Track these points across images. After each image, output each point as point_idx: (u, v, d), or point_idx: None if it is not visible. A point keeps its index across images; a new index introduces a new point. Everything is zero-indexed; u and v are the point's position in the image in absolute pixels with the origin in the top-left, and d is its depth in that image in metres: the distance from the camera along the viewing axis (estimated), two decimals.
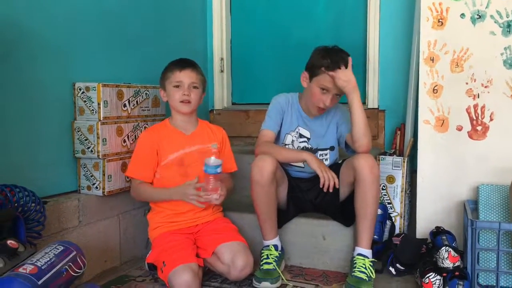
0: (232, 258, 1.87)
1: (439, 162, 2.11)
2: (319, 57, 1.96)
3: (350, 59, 1.94)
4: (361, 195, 1.88)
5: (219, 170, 1.85)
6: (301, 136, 2.11)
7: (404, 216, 2.30)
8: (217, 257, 1.92)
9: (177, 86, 1.99)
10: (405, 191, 2.29)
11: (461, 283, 1.72)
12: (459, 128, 2.08)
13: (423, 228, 2.14)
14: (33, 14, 1.83)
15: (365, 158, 1.87)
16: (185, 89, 1.99)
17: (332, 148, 2.12)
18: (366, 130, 1.93)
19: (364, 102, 2.70)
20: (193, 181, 1.92)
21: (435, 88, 2.10)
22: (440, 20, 2.08)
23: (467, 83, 2.06)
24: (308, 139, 2.10)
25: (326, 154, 2.11)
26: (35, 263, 1.35)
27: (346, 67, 1.92)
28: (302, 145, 2.10)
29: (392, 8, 2.54)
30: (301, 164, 2.08)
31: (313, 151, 2.09)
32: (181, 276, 1.75)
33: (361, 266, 1.83)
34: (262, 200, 1.93)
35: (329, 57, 1.93)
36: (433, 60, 2.10)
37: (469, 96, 2.06)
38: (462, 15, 2.05)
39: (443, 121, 2.10)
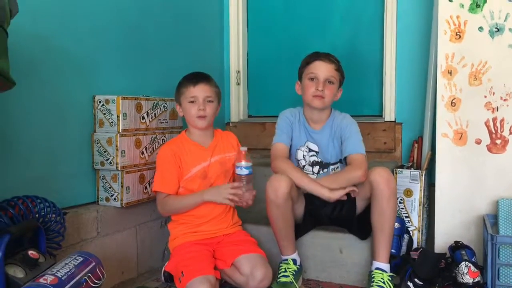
0: (251, 269, 1.87)
1: (457, 175, 2.09)
2: (304, 59, 2.11)
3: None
4: (378, 210, 1.86)
5: (250, 171, 1.91)
6: (310, 150, 2.11)
7: (422, 230, 2.28)
8: (236, 268, 1.92)
9: (192, 102, 2.01)
10: (423, 204, 2.27)
11: None
12: (478, 142, 2.06)
13: (441, 243, 2.11)
14: (58, 30, 1.88)
15: (381, 173, 1.86)
16: (200, 104, 2.00)
17: (341, 161, 2.11)
18: (346, 180, 1.92)
19: (380, 115, 2.70)
20: (229, 184, 1.95)
21: (453, 101, 2.09)
22: (458, 33, 2.08)
23: (485, 96, 2.04)
24: (317, 152, 2.11)
25: (337, 168, 2.11)
26: (56, 274, 1.37)
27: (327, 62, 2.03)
28: (312, 159, 2.11)
29: (409, 20, 2.54)
30: None
31: (323, 165, 2.10)
32: None
33: (380, 281, 1.81)
34: (278, 219, 1.93)
35: (311, 54, 2.09)
36: (451, 73, 2.09)
37: (488, 109, 2.04)
38: (480, 28, 2.04)
39: (462, 134, 2.08)
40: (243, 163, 1.90)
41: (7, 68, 1.21)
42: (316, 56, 2.07)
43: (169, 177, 2.00)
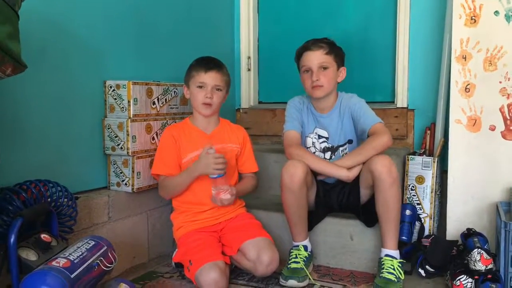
0: (257, 254, 1.87)
1: (470, 162, 2.06)
2: (295, 53, 2.11)
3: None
4: (381, 199, 1.85)
5: (222, 172, 1.87)
6: (320, 137, 2.10)
7: (433, 217, 2.26)
8: (242, 254, 1.93)
9: (201, 87, 2.00)
10: (435, 191, 2.25)
11: (494, 286, 1.68)
12: (492, 128, 2.03)
13: (453, 230, 2.10)
14: (70, 14, 1.87)
15: (381, 161, 1.83)
16: (208, 91, 1.99)
17: (350, 141, 2.09)
18: (373, 148, 1.90)
19: (393, 101, 2.67)
20: (208, 149, 1.89)
21: (467, 87, 2.06)
22: (473, 17, 2.04)
23: (500, 82, 2.01)
24: (327, 138, 2.09)
25: (345, 149, 2.09)
26: (68, 257, 1.38)
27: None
28: (322, 145, 2.10)
29: (423, 5, 2.49)
30: None
31: (334, 149, 2.08)
32: (209, 274, 1.76)
33: (390, 267, 1.81)
34: (293, 205, 1.92)
35: (300, 46, 2.09)
36: (465, 58, 2.06)
37: (503, 95, 2.01)
38: (496, 13, 2.00)
39: (476, 120, 2.06)
40: None
41: (19, 51, 1.21)
42: (305, 47, 2.06)
43: (167, 160, 2.00)
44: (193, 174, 1.93)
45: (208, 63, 2.02)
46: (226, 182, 1.92)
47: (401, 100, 2.60)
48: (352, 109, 2.06)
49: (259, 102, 3.11)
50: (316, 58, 2.01)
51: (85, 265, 1.39)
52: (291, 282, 1.85)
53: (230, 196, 1.92)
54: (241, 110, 3.04)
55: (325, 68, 2.01)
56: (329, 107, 2.10)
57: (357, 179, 1.93)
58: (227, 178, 1.94)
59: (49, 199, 1.55)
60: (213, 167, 1.86)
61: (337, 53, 2.05)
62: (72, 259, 1.37)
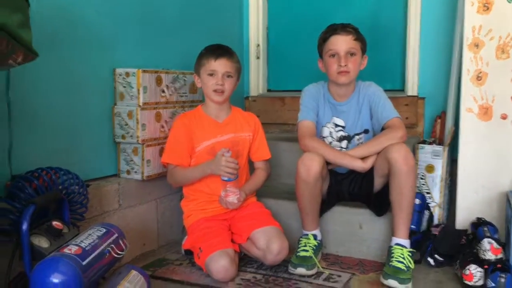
0: (267, 243, 1.88)
1: (481, 151, 2.05)
2: (320, 36, 2.06)
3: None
4: (396, 187, 1.84)
5: (234, 176, 1.87)
6: (337, 125, 2.08)
7: (443, 206, 2.25)
8: (252, 242, 1.94)
9: (211, 75, 1.98)
10: (444, 180, 2.24)
11: (503, 275, 1.67)
12: (504, 117, 2.01)
13: (463, 219, 2.09)
14: (80, 1, 1.86)
15: (398, 149, 1.82)
16: (219, 79, 1.97)
17: (366, 131, 2.07)
18: (387, 140, 1.89)
19: (402, 89, 2.65)
20: (225, 152, 1.88)
21: (479, 75, 2.04)
22: (486, 4, 2.01)
23: None
24: (344, 127, 2.08)
25: (360, 138, 2.08)
26: (79, 244, 1.39)
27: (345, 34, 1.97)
28: (339, 134, 2.08)
29: None
30: None
31: (350, 138, 2.07)
32: (219, 262, 1.78)
33: (399, 256, 1.80)
34: (306, 197, 1.92)
35: (326, 29, 2.04)
36: (477, 46, 2.03)
37: None
38: (509, 0, 1.97)
39: (487, 109, 2.04)
40: None
41: (30, 39, 1.21)
42: (332, 30, 2.00)
43: (178, 149, 2.00)
44: (205, 172, 1.95)
45: (217, 50, 2.00)
46: (236, 186, 1.91)
47: (411, 88, 2.58)
48: (371, 98, 2.04)
49: (268, 90, 3.10)
50: (345, 43, 1.97)
51: (96, 252, 1.40)
52: (300, 270, 1.86)
53: (236, 201, 1.92)
54: (250, 98, 3.04)
55: (352, 54, 1.98)
56: (347, 95, 2.07)
57: (371, 168, 1.92)
58: (238, 181, 1.93)
59: (60, 187, 1.55)
60: (223, 169, 1.86)
61: (363, 41, 2.02)
62: (84, 246, 1.38)
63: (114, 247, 1.49)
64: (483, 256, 1.75)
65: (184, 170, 2.00)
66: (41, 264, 1.30)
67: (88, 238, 1.44)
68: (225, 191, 1.91)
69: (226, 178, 1.87)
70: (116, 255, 1.49)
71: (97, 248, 1.42)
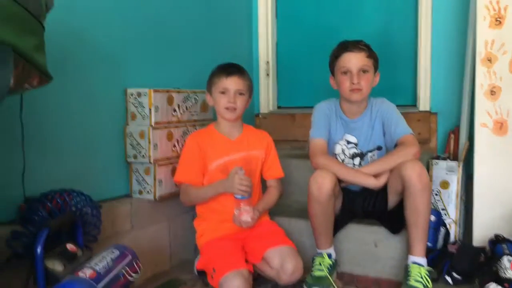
0: (281, 262, 1.85)
1: (497, 166, 2.02)
2: (331, 53, 2.05)
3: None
4: (411, 205, 1.81)
5: (247, 195, 1.85)
6: (349, 142, 2.07)
7: (459, 223, 2.22)
8: (266, 262, 1.90)
9: (223, 93, 1.99)
10: (460, 197, 2.21)
11: None
12: None
13: (480, 236, 2.05)
14: (91, 23, 1.88)
15: (412, 166, 1.79)
16: (231, 96, 1.98)
17: (379, 148, 2.05)
18: (401, 157, 1.86)
19: (415, 105, 2.63)
20: (238, 169, 1.88)
21: (493, 90, 2.02)
22: (498, 19, 2.00)
23: None
24: (356, 144, 2.06)
25: (374, 155, 2.06)
26: (94, 267, 1.38)
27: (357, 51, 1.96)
28: (352, 151, 2.06)
29: (445, 6, 2.46)
30: None
31: (363, 155, 2.05)
32: (233, 282, 1.74)
33: (417, 275, 1.77)
34: (319, 215, 1.90)
35: (338, 46, 2.02)
36: (490, 60, 2.02)
37: None
38: None
39: (502, 124, 2.01)
40: None
41: (44, 63, 1.21)
42: (344, 47, 1.99)
43: (190, 168, 1.99)
44: (218, 190, 1.94)
45: (229, 68, 2.01)
46: (249, 204, 1.90)
47: (423, 103, 2.57)
48: (383, 115, 2.02)
49: (278, 107, 3.09)
50: (358, 60, 1.96)
51: (110, 275, 1.39)
52: None
53: (250, 220, 1.89)
54: (260, 116, 3.03)
55: (365, 72, 1.97)
56: (360, 111, 2.06)
57: (384, 186, 1.90)
58: (251, 200, 1.92)
59: (73, 208, 1.55)
60: (237, 187, 1.85)
61: (375, 58, 2.01)
62: (98, 270, 1.37)
63: (128, 270, 1.48)
64: (503, 275, 1.71)
65: (198, 189, 2.00)
66: None
67: (102, 260, 1.43)
68: (239, 210, 1.89)
69: (239, 196, 1.86)
70: (130, 278, 1.48)
71: (111, 271, 1.41)
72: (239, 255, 1.90)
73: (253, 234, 1.99)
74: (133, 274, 1.49)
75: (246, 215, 1.89)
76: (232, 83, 1.98)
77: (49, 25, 1.28)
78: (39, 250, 1.34)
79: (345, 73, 1.98)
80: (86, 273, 1.34)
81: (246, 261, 1.91)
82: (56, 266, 1.38)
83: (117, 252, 1.50)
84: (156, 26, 2.22)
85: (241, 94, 2.00)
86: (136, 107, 2.02)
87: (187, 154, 2.02)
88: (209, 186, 1.98)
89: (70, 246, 1.45)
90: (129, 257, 1.52)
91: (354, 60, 1.96)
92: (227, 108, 1.99)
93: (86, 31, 1.86)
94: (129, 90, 2.03)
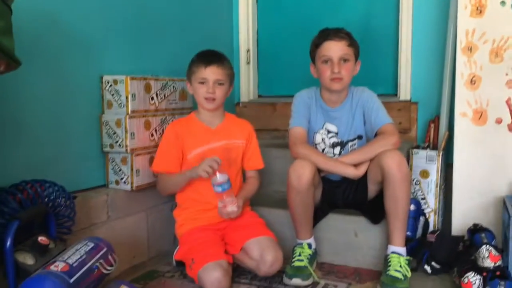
0: (261, 253, 1.84)
1: (476, 156, 2.03)
2: (312, 41, 2.02)
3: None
4: (390, 195, 1.81)
5: (227, 186, 1.81)
6: (329, 132, 2.05)
7: (438, 212, 2.22)
8: (245, 252, 1.89)
9: (202, 83, 1.95)
10: (439, 186, 2.21)
11: (503, 283, 1.64)
12: (499, 121, 1.99)
13: (459, 225, 2.07)
14: (64, 6, 1.81)
15: (391, 156, 1.79)
16: (210, 86, 1.94)
17: (360, 137, 2.05)
18: (381, 146, 1.86)
19: (395, 94, 2.62)
20: (215, 158, 1.84)
21: (473, 79, 2.02)
22: (479, 8, 1.99)
23: (507, 74, 1.97)
24: (336, 133, 2.04)
25: (354, 145, 2.05)
26: (66, 261, 1.34)
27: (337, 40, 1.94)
28: (332, 140, 2.05)
29: None
30: None
31: (343, 144, 2.04)
32: (212, 274, 1.72)
33: (396, 265, 1.77)
34: (299, 205, 1.88)
35: (319, 34, 1.99)
36: (471, 50, 2.01)
37: (510, 88, 1.97)
38: (502, 3, 1.95)
39: (481, 113, 2.02)
40: (218, 178, 1.80)
41: (12, 47, 1.16)
42: (325, 35, 1.96)
43: (168, 157, 1.96)
44: (186, 175, 1.91)
45: (208, 57, 1.96)
46: (231, 194, 1.87)
47: (404, 92, 2.56)
48: (364, 104, 2.01)
49: (259, 96, 3.06)
50: (338, 49, 1.93)
51: (84, 268, 1.35)
52: (295, 280, 1.81)
53: (236, 209, 1.87)
54: (240, 104, 2.99)
55: (345, 61, 1.95)
56: (340, 100, 2.04)
57: (364, 175, 1.89)
58: (233, 190, 1.88)
59: (46, 200, 1.50)
60: (204, 167, 1.80)
61: (356, 46, 1.99)
62: (71, 263, 1.33)
63: (103, 262, 1.44)
64: (481, 264, 1.72)
65: (171, 177, 1.96)
66: (26, 283, 1.25)
67: (75, 253, 1.39)
68: (223, 202, 1.86)
69: (219, 189, 1.82)
70: (105, 271, 1.45)
71: (85, 264, 1.37)
72: (219, 246, 1.89)
73: (233, 225, 1.97)
74: (108, 267, 1.45)
75: (231, 206, 1.86)
76: (211, 73, 1.94)
77: (18, 8, 1.23)
78: (8, 242, 1.29)
79: (325, 62, 1.95)
80: (58, 266, 1.30)
81: (226, 252, 1.89)
82: (27, 259, 1.34)
83: (91, 245, 1.46)
84: (135, 10, 2.15)
85: (220, 84, 1.96)
86: (112, 95, 1.97)
87: (165, 143, 1.99)
88: (182, 171, 1.95)
89: (41, 239, 1.40)
90: (104, 249, 1.48)
91: (335, 49, 1.93)
92: (206, 98, 1.95)
93: (60, 14, 1.79)
94: (105, 77, 1.97)
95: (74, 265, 1.32)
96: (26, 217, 1.37)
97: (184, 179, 1.93)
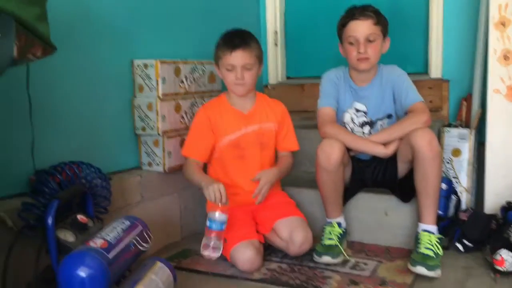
0: (290, 233, 1.86)
1: (510, 133, 1.99)
2: (339, 21, 1.99)
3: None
4: (421, 173, 1.79)
5: (221, 227, 1.73)
6: (358, 111, 2.04)
7: (471, 191, 2.20)
8: (275, 232, 1.91)
9: (230, 70, 1.92)
10: (472, 164, 2.18)
11: None
12: None
13: (491, 204, 2.04)
14: None
15: (422, 134, 1.76)
16: (238, 72, 1.90)
17: (389, 116, 2.02)
18: (411, 124, 1.83)
19: (426, 72, 2.58)
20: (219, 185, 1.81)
21: (507, 54, 1.97)
22: None
23: None
24: (366, 112, 2.03)
25: (383, 124, 2.02)
26: (105, 237, 1.38)
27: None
28: (361, 120, 2.03)
29: None
30: None
31: (373, 123, 2.02)
32: (244, 253, 1.76)
33: (427, 242, 1.76)
34: (328, 185, 1.89)
35: (345, 13, 1.97)
36: (504, 24, 1.96)
37: None
38: None
39: None
40: (216, 215, 1.72)
41: (48, 33, 1.19)
42: (351, 15, 1.93)
43: (197, 144, 1.97)
44: (199, 182, 1.89)
45: (233, 40, 1.90)
46: (221, 238, 1.76)
47: (435, 70, 2.52)
48: (394, 82, 1.98)
49: (287, 78, 3.05)
50: (364, 29, 1.90)
51: (121, 245, 1.40)
52: (326, 258, 1.83)
53: (214, 258, 1.77)
54: (269, 87, 3.00)
55: (372, 41, 1.92)
56: (369, 79, 2.02)
57: (394, 154, 1.88)
58: (223, 234, 1.78)
59: (83, 180, 1.55)
60: (210, 193, 1.78)
61: (384, 24, 1.95)
62: (109, 240, 1.38)
63: (139, 240, 1.49)
64: None
65: (192, 173, 1.95)
66: (67, 258, 1.30)
67: (112, 231, 1.43)
68: (208, 240, 1.74)
69: (212, 226, 1.73)
70: (141, 248, 1.49)
71: (122, 241, 1.41)
72: (250, 225, 1.92)
73: (264, 204, 1.98)
74: (144, 244, 1.50)
75: (212, 252, 1.74)
76: (237, 59, 1.89)
77: None
78: (50, 221, 1.34)
79: (351, 43, 1.93)
80: (97, 242, 1.34)
81: (257, 231, 1.92)
82: (68, 236, 1.40)
83: (127, 223, 1.51)
84: None
85: (248, 68, 1.92)
86: (143, 79, 2.01)
87: (197, 127, 1.99)
88: (200, 174, 1.94)
89: (80, 217, 1.46)
90: (140, 228, 1.53)
91: (360, 29, 1.91)
92: (236, 84, 1.94)
93: (92, 1, 1.83)
94: (136, 62, 2.02)
95: (112, 241, 1.37)
96: (65, 196, 1.42)
97: (197, 182, 1.92)
